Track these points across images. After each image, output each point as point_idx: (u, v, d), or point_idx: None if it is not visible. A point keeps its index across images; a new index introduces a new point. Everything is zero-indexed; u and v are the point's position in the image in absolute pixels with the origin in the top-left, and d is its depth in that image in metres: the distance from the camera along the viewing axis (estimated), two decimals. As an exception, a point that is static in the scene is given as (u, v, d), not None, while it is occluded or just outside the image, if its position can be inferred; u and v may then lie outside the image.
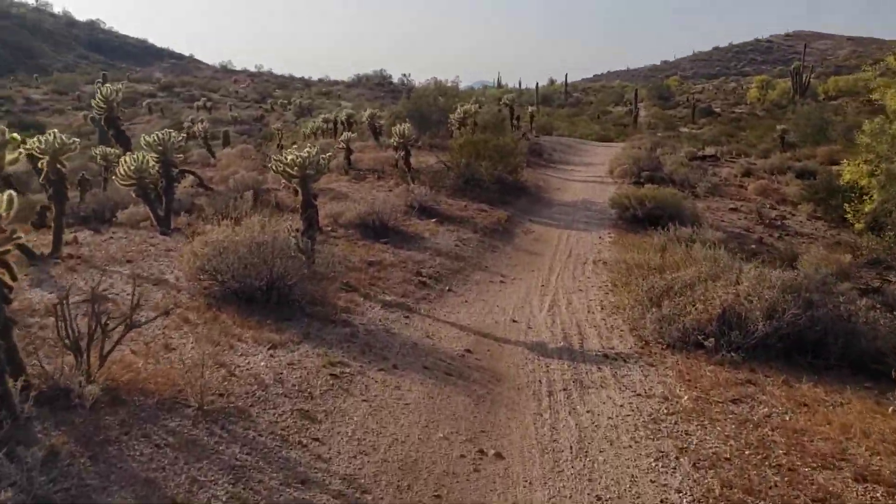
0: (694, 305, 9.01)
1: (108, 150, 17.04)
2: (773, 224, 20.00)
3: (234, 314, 8.21)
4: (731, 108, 65.80)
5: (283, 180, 10.55)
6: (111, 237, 12.72)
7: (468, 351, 8.71)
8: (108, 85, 15.48)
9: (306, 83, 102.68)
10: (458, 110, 26.37)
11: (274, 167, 10.41)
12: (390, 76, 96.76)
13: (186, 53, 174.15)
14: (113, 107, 15.47)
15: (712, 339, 8.51)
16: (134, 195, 13.46)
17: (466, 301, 11.39)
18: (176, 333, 7.52)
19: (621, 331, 9.76)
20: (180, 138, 13.94)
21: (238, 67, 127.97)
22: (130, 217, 13.95)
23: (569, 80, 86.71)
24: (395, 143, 20.79)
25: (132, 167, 13.05)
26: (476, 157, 19.97)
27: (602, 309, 10.99)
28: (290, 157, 10.30)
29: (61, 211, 10.74)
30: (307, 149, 10.41)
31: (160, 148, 13.45)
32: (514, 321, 10.32)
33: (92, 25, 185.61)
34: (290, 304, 8.69)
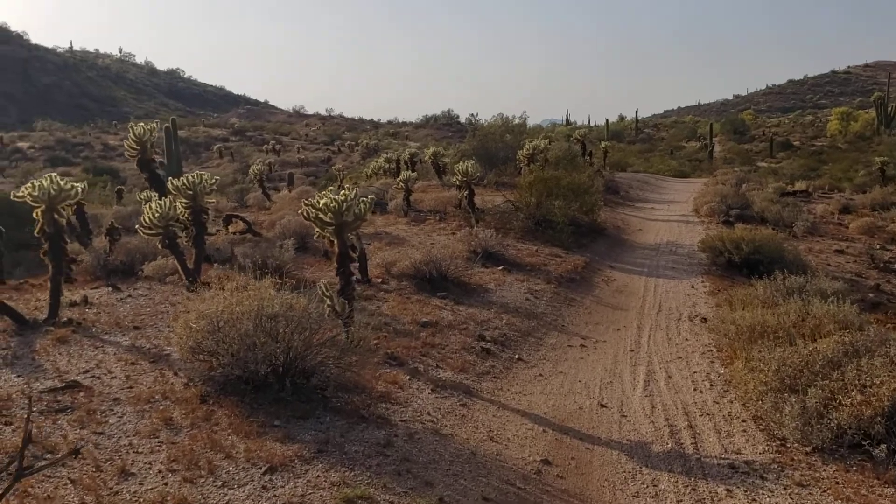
0: (848, 394, 6.64)
1: (149, 194, 15.64)
2: (888, 268, 17.23)
3: (234, 410, 6.23)
4: (811, 142, 62.77)
5: (316, 229, 8.68)
6: (130, 295, 11.08)
7: (546, 462, 6.48)
8: (141, 124, 14.04)
9: (375, 125, 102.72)
10: (527, 146, 24.36)
11: (305, 213, 8.54)
12: (458, 116, 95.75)
13: (262, 100, 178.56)
14: (146, 148, 13.98)
15: (883, 446, 6.13)
16: (160, 245, 11.82)
17: (541, 374, 9.21)
18: (146, 445, 5.58)
19: (743, 422, 7.42)
20: (213, 181, 12.30)
21: (310, 112, 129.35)
22: (158, 270, 12.30)
23: (639, 116, 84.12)
24: (457, 182, 18.87)
25: (157, 214, 11.43)
26: (547, 196, 17.87)
27: (711, 386, 8.66)
28: (322, 201, 8.41)
29: (58, 269, 9.09)
30: (344, 191, 8.51)
31: (189, 192, 11.82)
32: (602, 405, 8.08)
33: (172, 74, 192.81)
34: (311, 395, 6.67)
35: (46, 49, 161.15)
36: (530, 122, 41.47)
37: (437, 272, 12.51)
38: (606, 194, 25.40)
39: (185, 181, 11.81)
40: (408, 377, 8.09)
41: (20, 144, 79.82)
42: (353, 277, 9.04)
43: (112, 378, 6.97)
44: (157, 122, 14.26)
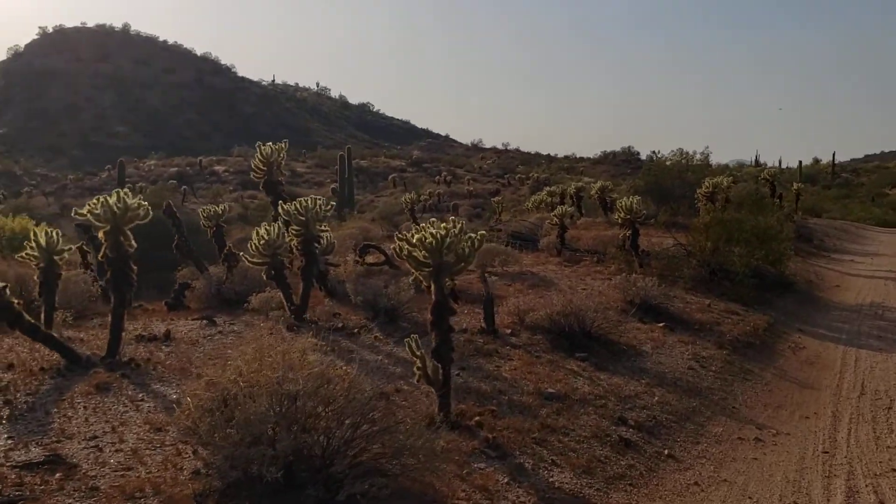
0: None
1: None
2: None
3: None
4: None
5: (413, 270, 6.85)
6: (221, 331, 9.79)
7: None
8: (269, 144, 12.95)
9: (550, 159, 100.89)
10: (706, 183, 21.46)
11: (397, 248, 6.73)
12: (638, 153, 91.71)
13: (443, 133, 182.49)
14: (273, 169, 12.85)
15: None
16: (264, 276, 10.51)
17: (696, 483, 6.77)
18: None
19: None
20: (328, 206, 10.86)
21: (487, 145, 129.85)
22: (264, 303, 11.01)
23: (836, 160, 76.50)
24: (619, 220, 16.51)
25: (262, 241, 10.11)
26: (727, 241, 15.09)
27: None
28: (418, 235, 6.55)
29: (121, 301, 7.82)
30: (445, 224, 6.61)
31: (301, 218, 10.42)
32: (782, 549, 5.59)
33: (363, 108, 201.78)
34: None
35: (251, 81, 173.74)
36: (715, 161, 38.02)
37: (579, 326, 10.30)
38: (797, 242, 21.89)
39: (297, 206, 10.43)
40: (506, 479, 5.98)
41: (217, 168, 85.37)
42: (451, 333, 7.04)
43: (115, 452, 5.44)
44: (284, 143, 13.07)
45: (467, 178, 71.21)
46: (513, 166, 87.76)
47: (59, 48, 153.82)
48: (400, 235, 6.67)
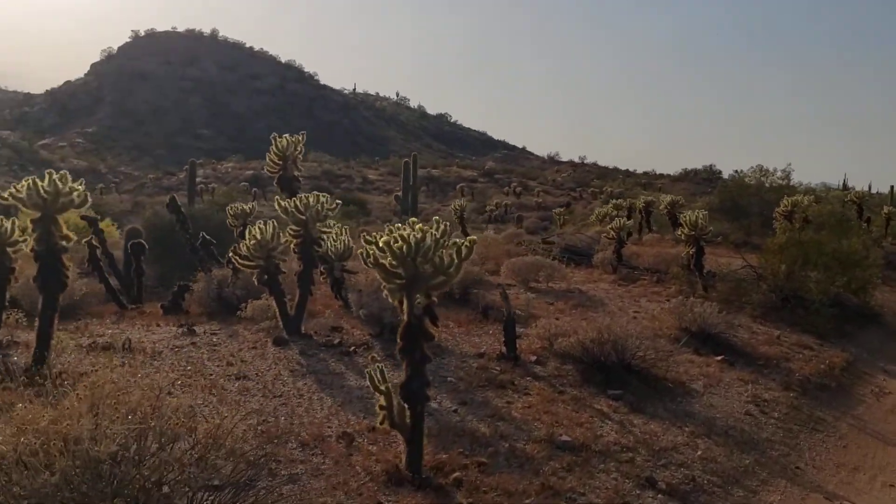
0: None
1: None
2: None
3: None
4: None
5: (382, 282, 5.48)
6: (195, 342, 8.68)
7: None
8: (286, 136, 11.81)
9: (627, 174, 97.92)
10: (785, 201, 19.42)
11: (364, 253, 5.37)
12: (720, 172, 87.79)
13: (520, 145, 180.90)
14: (288, 164, 11.71)
15: None
16: (255, 281, 9.33)
17: (737, 578, 5.20)
18: None
19: None
20: (333, 205, 9.59)
21: (564, 159, 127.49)
22: (260, 311, 9.83)
23: (938, 184, 71.35)
24: (683, 236, 14.77)
25: (252, 241, 8.93)
26: (803, 264, 13.21)
27: None
28: (384, 239, 5.18)
29: (50, 302, 6.70)
30: (423, 225, 5.22)
31: (301, 217, 9.20)
32: None
33: (440, 118, 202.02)
34: None
35: (332, 89, 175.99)
36: (798, 180, 35.37)
37: (617, 356, 8.75)
38: (886, 270, 19.55)
39: (296, 203, 9.20)
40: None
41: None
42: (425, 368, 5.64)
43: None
44: (301, 135, 11.91)
45: (538, 189, 69.53)
46: (588, 180, 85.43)
47: (149, 51, 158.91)
48: (368, 237, 5.30)
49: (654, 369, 9.01)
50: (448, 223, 5.35)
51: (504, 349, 8.95)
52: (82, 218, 11.52)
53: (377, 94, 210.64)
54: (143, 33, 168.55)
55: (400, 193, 46.40)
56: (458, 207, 25.19)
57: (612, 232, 16.36)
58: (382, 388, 5.17)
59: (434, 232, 5.16)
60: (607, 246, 17.01)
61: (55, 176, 6.43)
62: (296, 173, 11.74)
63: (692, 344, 10.60)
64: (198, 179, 77.93)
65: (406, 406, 5.18)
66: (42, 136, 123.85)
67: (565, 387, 8.22)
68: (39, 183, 6.36)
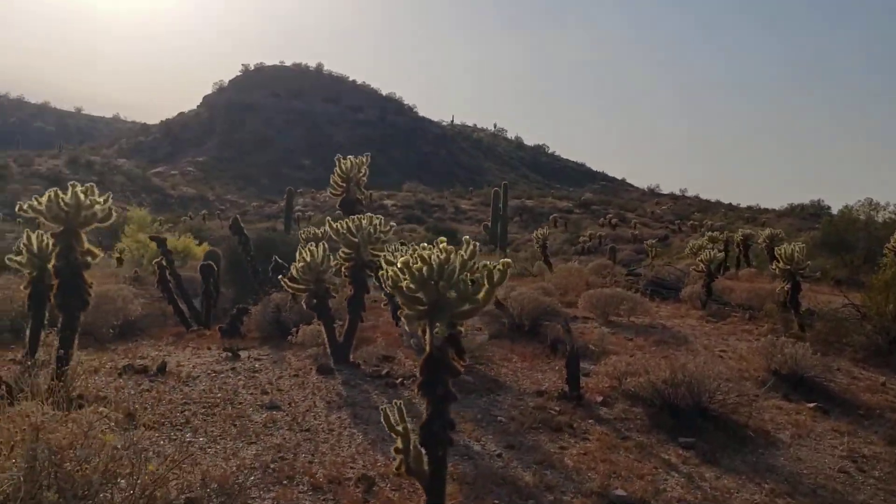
0: None
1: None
2: None
3: None
4: None
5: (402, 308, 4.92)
6: (235, 367, 8.34)
7: None
8: (350, 157, 11.53)
9: (731, 208, 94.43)
10: (897, 235, 17.81)
11: (384, 275, 4.83)
12: (828, 207, 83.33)
13: (619, 177, 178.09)
14: (352, 187, 11.40)
15: None
16: (304, 305, 8.96)
17: None
18: None
19: None
20: (387, 228, 9.15)
21: (664, 191, 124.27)
22: (314, 336, 9.46)
23: None
24: (777, 270, 13.63)
25: (303, 263, 8.58)
26: (915, 304, 11.90)
27: None
28: (403, 259, 4.65)
29: (70, 322, 6.45)
30: (445, 245, 4.67)
31: (352, 240, 8.81)
32: None
33: (537, 149, 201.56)
34: None
35: (430, 121, 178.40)
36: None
37: (692, 400, 7.89)
38: None
39: (348, 224, 8.81)
40: None
41: (386, 202, 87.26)
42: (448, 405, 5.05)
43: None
44: (366, 157, 11.58)
45: (634, 221, 67.76)
46: (688, 213, 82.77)
47: (257, 84, 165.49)
48: (389, 257, 4.78)
49: (735, 415, 8.11)
50: (477, 243, 4.76)
51: (566, 387, 8.23)
52: (151, 238, 11.49)
53: (474, 125, 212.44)
54: (252, 67, 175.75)
55: (489, 223, 45.98)
56: (540, 236, 24.43)
57: (702, 265, 15.31)
58: (399, 428, 4.60)
59: (462, 253, 4.59)
60: (696, 280, 15.95)
61: (78, 188, 6.22)
62: (359, 196, 11.41)
63: (782, 388, 9.58)
64: (297, 207, 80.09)
65: (424, 450, 4.59)
66: (155, 164, 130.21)
67: (630, 432, 7.44)
68: (61, 195, 6.17)
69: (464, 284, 4.57)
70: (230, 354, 8.68)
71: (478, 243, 4.85)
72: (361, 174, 11.37)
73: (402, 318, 4.74)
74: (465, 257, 4.61)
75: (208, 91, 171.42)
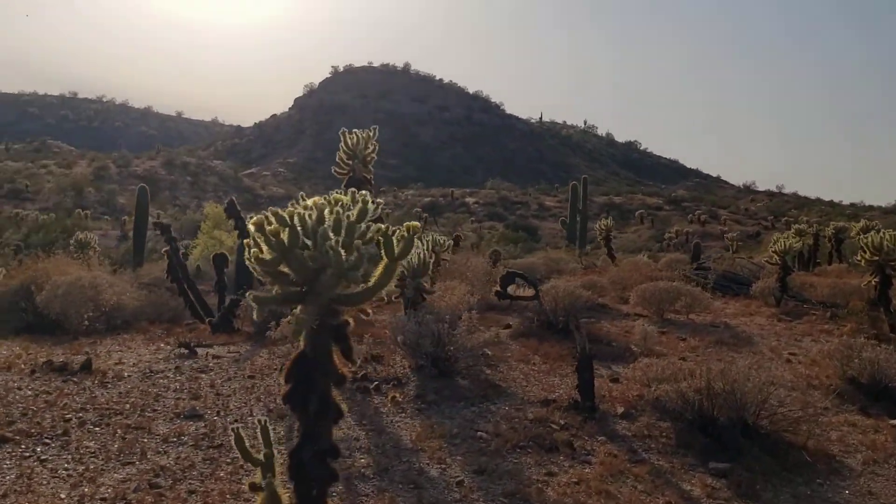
0: None
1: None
2: None
3: None
4: None
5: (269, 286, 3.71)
6: (179, 366, 7.25)
7: None
8: (356, 131, 10.30)
9: (832, 205, 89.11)
10: None
11: (246, 248, 3.58)
12: (943, 204, 77.11)
13: (714, 174, 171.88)
14: (357, 165, 10.19)
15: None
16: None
17: None
18: None
19: None
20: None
21: (761, 188, 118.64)
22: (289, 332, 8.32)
23: None
24: (862, 262, 11.73)
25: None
26: None
27: None
28: (253, 220, 3.40)
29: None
30: (320, 200, 3.41)
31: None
32: None
33: (629, 146, 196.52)
34: None
35: (517, 118, 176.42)
36: None
37: (734, 414, 6.36)
38: None
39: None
40: None
41: (468, 200, 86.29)
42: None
43: None
44: (373, 130, 10.36)
45: (724, 218, 64.53)
46: (785, 210, 78.42)
47: (346, 85, 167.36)
48: (254, 221, 3.54)
49: (791, 433, 6.52)
50: (376, 201, 3.50)
51: (579, 396, 6.83)
52: (154, 224, 10.67)
53: (564, 122, 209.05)
54: (341, 69, 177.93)
55: (566, 218, 44.07)
56: (602, 228, 22.75)
57: (776, 257, 13.44)
58: (260, 456, 3.37)
59: (341, 210, 3.33)
60: (771, 274, 14.08)
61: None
62: (366, 175, 10.21)
63: (859, 400, 7.88)
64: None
65: (293, 487, 3.34)
66: (249, 165, 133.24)
67: (649, 453, 5.99)
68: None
69: (354, 269, 3.29)
70: (186, 351, 7.67)
71: (380, 202, 3.61)
72: (369, 150, 10.15)
73: (251, 300, 3.49)
74: (352, 217, 3.35)
75: (299, 93, 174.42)
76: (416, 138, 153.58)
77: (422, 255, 9.01)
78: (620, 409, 6.87)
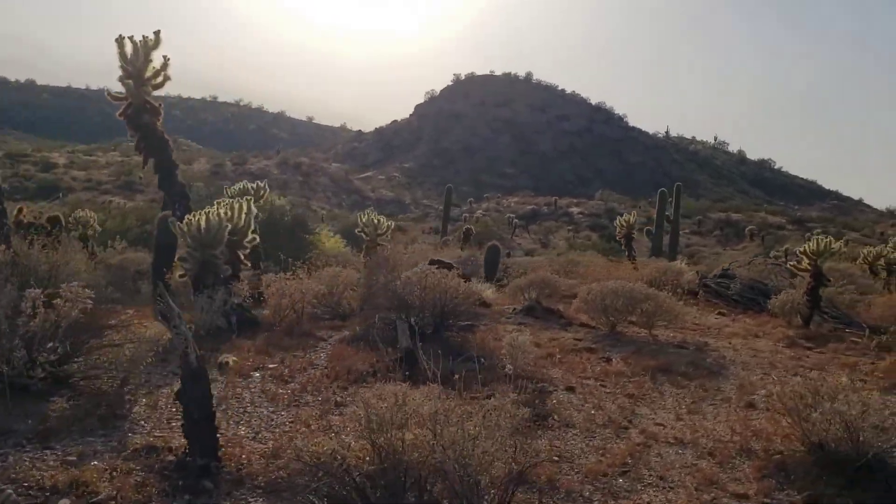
0: None
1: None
2: None
3: None
4: None
5: None
6: None
7: None
8: (132, 38, 8.05)
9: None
10: None
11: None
12: None
13: (855, 197, 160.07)
14: (136, 87, 7.91)
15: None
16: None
17: None
18: None
19: None
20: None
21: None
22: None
23: None
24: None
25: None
26: None
27: None
28: None
29: None
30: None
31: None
32: None
33: (761, 164, 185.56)
34: None
35: (640, 131, 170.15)
36: None
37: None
38: None
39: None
40: None
41: (572, 209, 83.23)
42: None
43: None
44: (155, 34, 7.98)
45: (848, 239, 58.47)
46: (926, 234, 70.67)
47: (465, 93, 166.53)
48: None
49: None
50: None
51: (187, 448, 4.23)
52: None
53: (693, 137, 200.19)
54: (463, 77, 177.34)
55: (652, 229, 40.02)
56: (623, 223, 19.58)
57: (806, 261, 10.13)
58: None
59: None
60: (798, 284, 10.74)
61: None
62: (149, 101, 7.80)
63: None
64: (479, 211, 78.42)
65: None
66: (366, 169, 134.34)
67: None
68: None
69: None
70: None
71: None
72: (153, 64, 7.67)
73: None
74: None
75: (420, 100, 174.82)
76: (534, 147, 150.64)
77: (214, 221, 6.61)
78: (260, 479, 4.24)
